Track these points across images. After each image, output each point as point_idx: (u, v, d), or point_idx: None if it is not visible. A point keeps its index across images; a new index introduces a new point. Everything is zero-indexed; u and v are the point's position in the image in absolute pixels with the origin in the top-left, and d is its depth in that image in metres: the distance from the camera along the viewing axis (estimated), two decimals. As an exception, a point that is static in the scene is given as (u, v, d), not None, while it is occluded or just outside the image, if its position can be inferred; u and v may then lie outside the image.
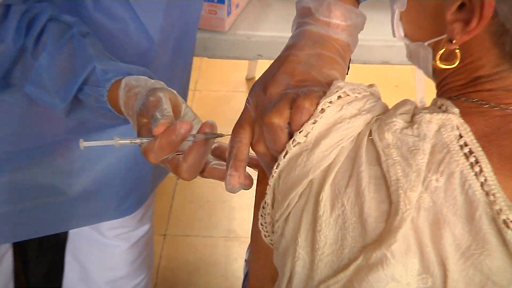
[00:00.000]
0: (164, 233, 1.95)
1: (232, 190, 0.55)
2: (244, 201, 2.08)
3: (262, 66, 2.70)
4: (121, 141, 0.59)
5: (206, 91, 2.52)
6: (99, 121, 0.78)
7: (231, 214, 2.04)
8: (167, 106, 0.60)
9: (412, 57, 0.59)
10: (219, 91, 2.57)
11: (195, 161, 0.60)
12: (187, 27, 0.96)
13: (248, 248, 0.89)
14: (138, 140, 0.59)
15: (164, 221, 1.98)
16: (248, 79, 2.68)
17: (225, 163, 0.65)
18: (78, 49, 0.71)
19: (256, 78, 2.80)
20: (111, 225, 1.12)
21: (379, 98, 0.55)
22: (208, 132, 0.60)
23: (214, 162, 0.65)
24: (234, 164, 0.54)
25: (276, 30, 1.20)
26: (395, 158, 0.47)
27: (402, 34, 0.58)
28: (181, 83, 1.03)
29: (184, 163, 0.60)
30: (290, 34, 0.60)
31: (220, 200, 2.08)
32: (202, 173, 0.64)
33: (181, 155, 0.61)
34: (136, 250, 1.18)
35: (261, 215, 0.57)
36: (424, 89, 2.37)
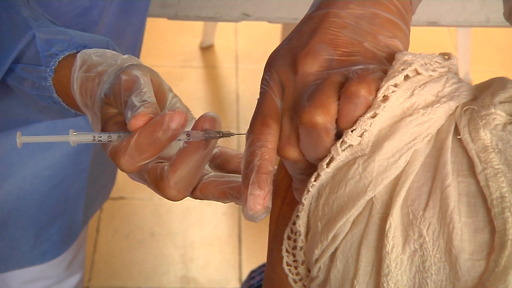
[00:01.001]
0: (87, 286, 1.94)
1: (254, 218, 0.56)
2: (209, 231, 2.09)
3: (224, 29, 2.72)
4: (79, 136, 0.59)
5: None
6: (32, 117, 0.78)
7: (188, 252, 2.04)
8: (147, 90, 0.60)
9: None
10: (164, 66, 2.58)
11: (189, 172, 0.61)
12: None
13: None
14: (104, 136, 0.59)
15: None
16: (203, 48, 2.70)
17: (228, 175, 0.66)
18: (4, 9, 0.71)
19: (216, 46, 2.87)
20: (24, 276, 1.11)
21: (457, 74, 0.57)
22: (210, 130, 0.61)
23: (211, 175, 0.66)
24: (257, 179, 0.55)
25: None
26: (496, 167, 0.49)
27: None
28: (133, 53, 1.03)
29: (172, 174, 0.60)
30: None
31: (169, 231, 2.08)
32: (193, 191, 0.65)
33: (166, 163, 0.62)
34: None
35: (287, 251, 0.58)
36: (469, 61, 2.43)
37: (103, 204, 2.10)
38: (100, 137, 0.59)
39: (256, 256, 2.03)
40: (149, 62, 2.56)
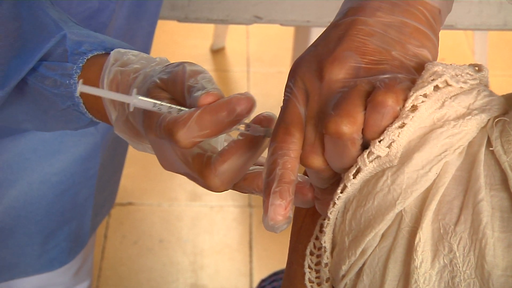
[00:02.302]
0: (95, 293, 1.95)
1: (275, 228, 0.56)
2: (219, 238, 2.09)
3: (236, 31, 2.72)
4: (141, 101, 0.59)
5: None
6: (36, 127, 0.78)
7: (198, 260, 2.04)
8: (211, 79, 0.61)
9: None
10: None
11: (238, 165, 0.60)
12: None
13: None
14: (165, 107, 0.59)
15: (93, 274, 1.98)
16: (214, 51, 2.70)
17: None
18: (26, 8, 0.71)
19: (227, 49, 2.86)
20: (31, 283, 1.11)
21: (488, 86, 0.57)
22: (270, 128, 0.61)
23: (258, 167, 0.66)
24: (279, 189, 0.55)
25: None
26: (530, 180, 0.49)
27: None
28: None
29: (220, 163, 0.60)
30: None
31: (179, 238, 2.08)
32: (237, 183, 0.64)
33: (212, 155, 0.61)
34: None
35: (310, 267, 0.58)
36: (486, 64, 2.42)
37: (111, 210, 2.11)
38: (162, 105, 0.59)
39: (267, 264, 2.03)
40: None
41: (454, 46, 2.66)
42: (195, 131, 0.58)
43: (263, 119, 0.62)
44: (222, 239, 2.10)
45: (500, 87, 0.57)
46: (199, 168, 0.61)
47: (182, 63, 0.63)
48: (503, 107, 0.55)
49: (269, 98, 2.45)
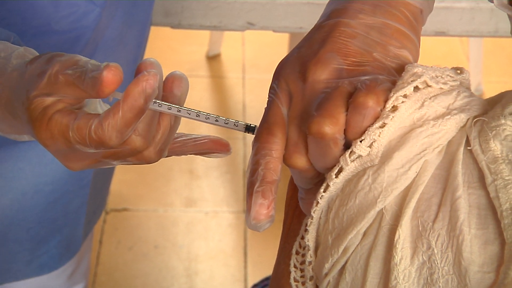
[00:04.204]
0: (89, 299, 1.95)
1: (257, 227, 0.57)
2: (214, 244, 2.09)
3: (231, 38, 2.73)
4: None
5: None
6: None
7: (193, 265, 2.04)
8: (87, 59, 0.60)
9: None
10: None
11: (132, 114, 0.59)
12: None
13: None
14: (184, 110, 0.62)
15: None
16: (209, 57, 2.71)
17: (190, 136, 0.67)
18: None
19: (223, 55, 2.85)
20: (23, 286, 1.12)
21: (469, 89, 0.58)
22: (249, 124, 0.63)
23: (181, 134, 0.68)
24: (261, 188, 0.56)
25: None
26: (506, 178, 0.50)
27: None
28: (134, 64, 1.05)
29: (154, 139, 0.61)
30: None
31: (174, 243, 2.09)
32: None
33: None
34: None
35: (295, 266, 0.59)
36: (481, 71, 2.44)
37: (105, 215, 2.11)
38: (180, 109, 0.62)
39: (262, 269, 2.04)
40: (154, 71, 2.58)
41: (449, 53, 2.67)
42: (123, 128, 0.58)
43: (174, 80, 0.63)
44: (217, 244, 2.11)
45: (495, 94, 0.58)
46: (132, 150, 0.61)
47: (50, 57, 0.61)
48: (483, 107, 0.56)
49: (264, 104, 2.43)
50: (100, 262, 2.04)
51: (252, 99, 2.55)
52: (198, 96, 2.52)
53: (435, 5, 1.24)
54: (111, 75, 0.57)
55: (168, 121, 0.62)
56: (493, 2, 0.61)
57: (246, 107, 2.51)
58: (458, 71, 0.57)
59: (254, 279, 1.99)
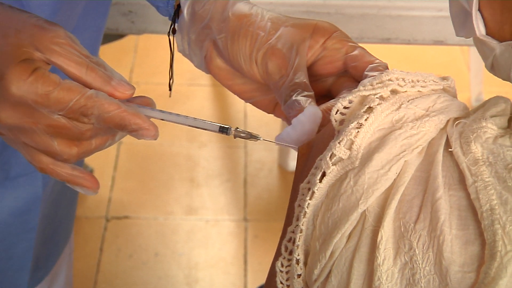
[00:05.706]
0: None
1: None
2: (214, 252, 2.09)
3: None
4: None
5: (146, 84, 2.54)
6: None
7: (193, 273, 2.05)
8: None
9: (498, 67, 0.61)
10: (167, 84, 2.60)
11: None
12: None
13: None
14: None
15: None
16: (211, 66, 2.71)
17: None
18: None
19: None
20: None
21: (455, 96, 0.59)
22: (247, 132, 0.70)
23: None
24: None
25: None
26: (487, 180, 0.51)
27: (484, 31, 0.59)
28: (92, 53, 1.05)
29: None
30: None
31: (174, 251, 2.09)
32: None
33: None
34: None
35: (281, 282, 0.59)
36: (482, 81, 2.44)
37: (106, 223, 2.12)
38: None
39: (261, 278, 2.04)
40: (156, 79, 2.60)
41: (450, 63, 2.68)
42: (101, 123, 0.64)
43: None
44: (217, 253, 2.11)
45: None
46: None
47: None
48: (464, 110, 0.57)
49: (265, 114, 2.45)
50: (101, 269, 2.04)
51: (253, 108, 2.55)
52: (199, 104, 2.53)
53: (433, 14, 1.24)
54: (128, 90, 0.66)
55: (104, 142, 0.67)
56: (466, 37, 0.60)
57: (247, 115, 2.52)
58: (443, 78, 0.58)
59: (254, 287, 1.99)
